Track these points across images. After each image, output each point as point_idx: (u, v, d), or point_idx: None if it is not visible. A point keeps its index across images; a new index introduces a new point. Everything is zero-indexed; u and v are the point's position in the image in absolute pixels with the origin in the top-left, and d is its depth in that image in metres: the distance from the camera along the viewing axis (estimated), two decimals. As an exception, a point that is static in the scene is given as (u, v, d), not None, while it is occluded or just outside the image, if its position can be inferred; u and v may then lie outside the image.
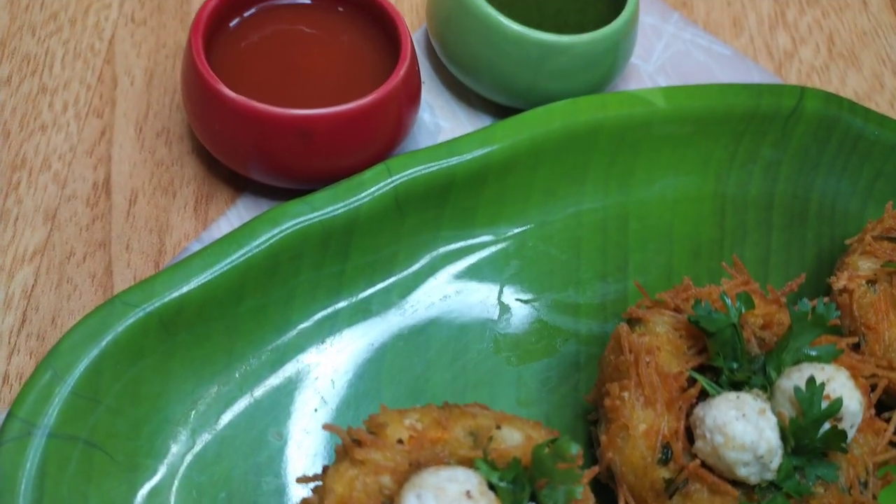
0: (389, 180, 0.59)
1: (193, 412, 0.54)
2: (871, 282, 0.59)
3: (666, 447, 0.47)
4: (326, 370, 0.57)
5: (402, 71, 0.59)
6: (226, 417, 0.54)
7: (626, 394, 0.48)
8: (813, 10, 0.88)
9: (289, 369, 0.56)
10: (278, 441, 0.54)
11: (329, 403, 0.56)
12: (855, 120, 0.71)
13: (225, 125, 0.57)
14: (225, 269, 0.54)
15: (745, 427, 0.45)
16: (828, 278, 0.62)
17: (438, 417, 0.46)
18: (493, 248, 0.64)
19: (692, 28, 0.81)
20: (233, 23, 0.62)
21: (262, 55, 0.61)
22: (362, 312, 0.59)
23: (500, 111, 0.72)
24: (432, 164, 0.61)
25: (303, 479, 0.45)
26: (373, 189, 0.59)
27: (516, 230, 0.65)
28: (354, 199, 0.58)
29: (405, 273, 0.61)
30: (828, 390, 0.47)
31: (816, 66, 0.84)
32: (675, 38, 0.80)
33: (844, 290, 0.59)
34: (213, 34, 0.60)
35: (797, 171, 0.71)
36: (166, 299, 0.52)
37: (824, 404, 0.47)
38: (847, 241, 0.64)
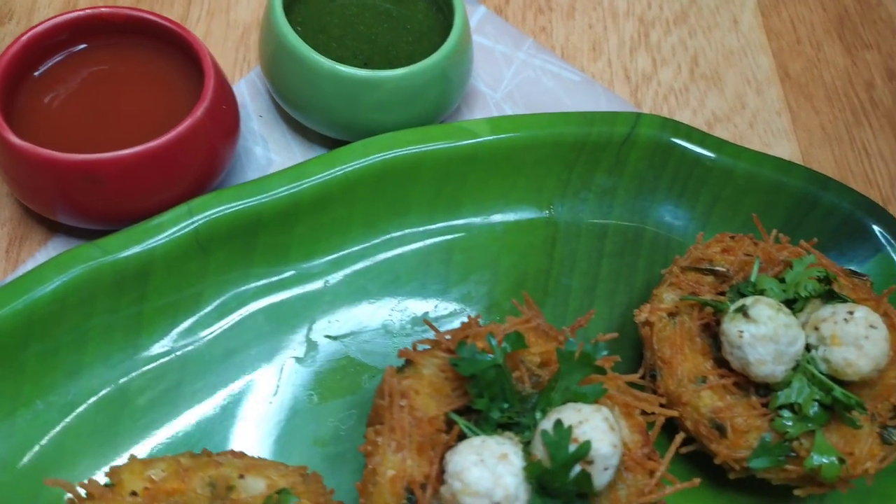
0: (189, 221, 0.59)
1: (-26, 460, 0.54)
2: (673, 314, 0.59)
3: (411, 494, 0.46)
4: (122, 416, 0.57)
5: (200, 110, 0.59)
6: (10, 466, 0.54)
7: (379, 438, 0.48)
8: (679, 31, 0.88)
9: (81, 415, 0.56)
10: (63, 492, 0.54)
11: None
12: (691, 145, 0.70)
13: (19, 172, 0.58)
14: (6, 314, 0.54)
15: (481, 473, 0.45)
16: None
17: (180, 468, 0.46)
18: (307, 284, 0.64)
19: (544, 54, 0.81)
20: (39, 70, 0.62)
21: (71, 100, 0.61)
22: (163, 353, 0.59)
23: (335, 144, 0.72)
24: (237, 203, 0.61)
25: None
26: (171, 231, 0.59)
27: (331, 265, 0.65)
28: (150, 241, 0.58)
29: (208, 310, 0.61)
30: (578, 433, 0.46)
31: (675, 87, 0.83)
32: (525, 66, 0.79)
33: (646, 322, 0.59)
34: (16, 83, 0.60)
35: (633, 197, 0.71)
36: (-58, 348, 0.52)
37: (573, 447, 0.46)
38: (662, 272, 0.63)
